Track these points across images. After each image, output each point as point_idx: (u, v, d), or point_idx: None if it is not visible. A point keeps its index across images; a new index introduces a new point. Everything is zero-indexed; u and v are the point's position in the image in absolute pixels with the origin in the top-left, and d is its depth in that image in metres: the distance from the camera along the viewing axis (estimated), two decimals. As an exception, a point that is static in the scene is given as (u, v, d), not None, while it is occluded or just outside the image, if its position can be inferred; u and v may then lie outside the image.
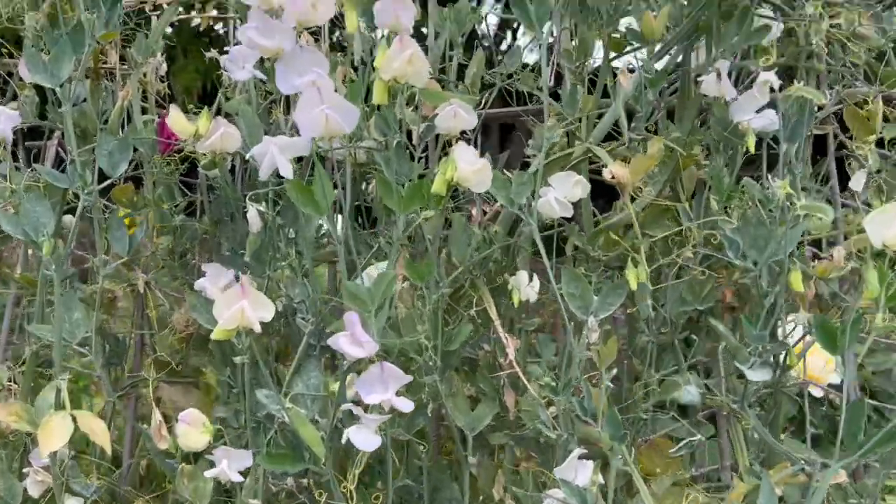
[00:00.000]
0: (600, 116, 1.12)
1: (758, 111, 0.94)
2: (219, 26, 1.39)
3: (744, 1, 0.93)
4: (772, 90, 1.06)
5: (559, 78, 1.20)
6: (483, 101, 1.19)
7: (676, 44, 0.97)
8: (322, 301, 0.97)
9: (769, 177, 0.83)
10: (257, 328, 0.78)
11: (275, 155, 0.78)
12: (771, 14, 0.96)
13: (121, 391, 1.23)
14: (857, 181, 0.99)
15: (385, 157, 0.92)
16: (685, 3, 1.00)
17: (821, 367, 1.33)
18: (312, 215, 0.90)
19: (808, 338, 1.03)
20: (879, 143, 1.12)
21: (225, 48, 1.40)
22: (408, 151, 0.95)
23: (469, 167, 0.82)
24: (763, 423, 1.07)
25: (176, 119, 0.94)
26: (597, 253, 0.99)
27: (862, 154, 1.09)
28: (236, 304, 0.76)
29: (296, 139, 0.80)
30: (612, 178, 0.87)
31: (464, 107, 0.92)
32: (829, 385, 1.30)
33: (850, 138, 1.11)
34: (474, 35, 1.28)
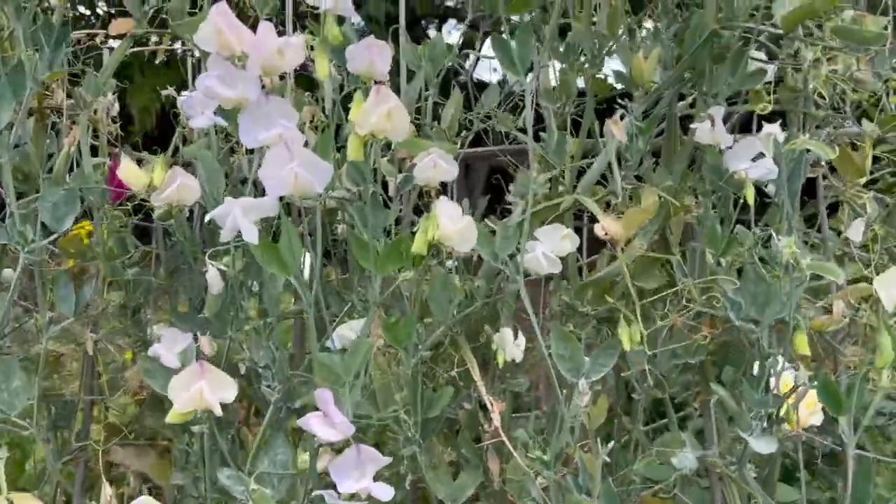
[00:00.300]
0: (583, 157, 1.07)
1: (753, 158, 0.89)
2: (177, 45, 1.31)
3: (737, 43, 0.88)
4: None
5: (538, 116, 1.14)
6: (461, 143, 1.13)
7: (668, 88, 0.92)
8: (289, 368, 0.89)
9: (774, 236, 0.77)
10: (217, 411, 0.70)
11: (237, 218, 0.70)
12: (764, 57, 0.92)
13: (68, 456, 1.13)
14: (856, 230, 0.95)
15: (358, 208, 0.85)
16: (671, 42, 0.95)
17: (804, 411, 1.30)
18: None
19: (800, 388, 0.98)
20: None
21: (184, 73, 1.32)
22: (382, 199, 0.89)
23: (452, 226, 0.75)
24: (758, 480, 1.02)
25: (128, 170, 0.86)
26: (585, 308, 0.93)
27: (852, 197, 1.05)
28: (194, 386, 0.68)
29: (261, 200, 0.72)
30: (605, 234, 0.81)
31: (444, 157, 0.85)
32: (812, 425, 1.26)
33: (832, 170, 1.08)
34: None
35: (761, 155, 0.89)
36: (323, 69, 0.74)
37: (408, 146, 0.87)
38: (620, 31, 0.96)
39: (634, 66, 0.88)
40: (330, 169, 0.71)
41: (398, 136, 0.71)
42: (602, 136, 0.99)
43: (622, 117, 0.89)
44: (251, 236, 0.71)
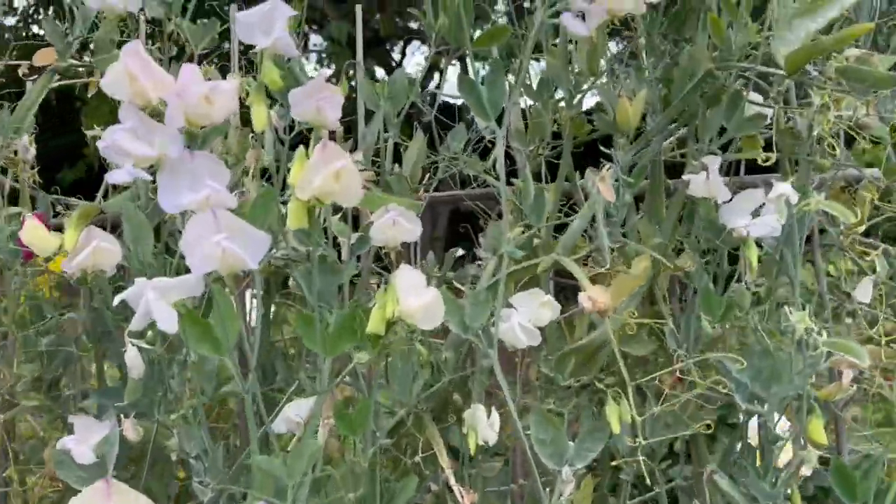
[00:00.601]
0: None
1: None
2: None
3: (733, 83, 0.79)
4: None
5: (508, 156, 1.04)
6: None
7: (657, 134, 0.82)
8: (227, 457, 0.77)
9: (787, 310, 0.67)
10: (129, 539, 0.57)
11: (150, 303, 0.58)
12: (758, 98, 0.82)
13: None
14: (864, 291, 0.86)
15: (305, 272, 0.73)
16: (658, 82, 0.85)
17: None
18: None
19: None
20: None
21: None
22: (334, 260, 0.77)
23: (415, 301, 0.64)
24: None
25: (32, 232, 0.73)
26: (567, 381, 0.82)
27: (851, 247, 0.97)
28: (98, 510, 0.56)
29: (182, 279, 0.60)
30: (592, 306, 0.71)
31: (405, 215, 0.74)
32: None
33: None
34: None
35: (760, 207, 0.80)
36: (260, 119, 0.63)
37: (364, 201, 0.75)
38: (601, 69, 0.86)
39: (619, 111, 0.78)
40: (266, 240, 0.59)
41: (349, 200, 0.60)
42: (582, 177, 0.89)
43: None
44: (168, 324, 0.59)
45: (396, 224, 0.74)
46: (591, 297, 0.70)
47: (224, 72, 1.03)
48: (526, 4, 1.11)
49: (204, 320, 0.67)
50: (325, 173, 0.57)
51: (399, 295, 0.65)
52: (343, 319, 0.67)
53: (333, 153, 0.57)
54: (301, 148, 0.58)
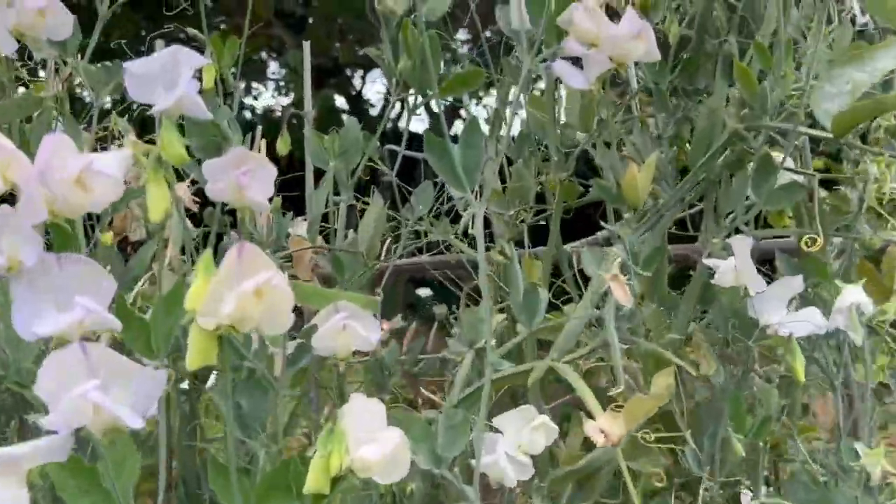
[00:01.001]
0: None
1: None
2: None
3: (762, 146, 0.64)
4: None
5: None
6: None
7: (672, 208, 0.67)
8: None
9: (857, 447, 0.52)
10: None
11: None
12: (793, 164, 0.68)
13: None
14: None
15: (221, 391, 0.57)
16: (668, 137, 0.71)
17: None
18: None
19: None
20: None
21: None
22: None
23: (371, 453, 0.46)
24: None
25: None
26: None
27: (879, 327, 0.83)
28: None
29: (40, 443, 0.42)
30: (605, 440, 0.55)
31: (358, 316, 0.58)
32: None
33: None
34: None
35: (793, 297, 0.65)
36: (157, 206, 0.46)
37: (305, 297, 0.59)
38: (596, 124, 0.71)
39: (626, 181, 0.63)
40: (161, 379, 0.42)
41: (276, 326, 0.43)
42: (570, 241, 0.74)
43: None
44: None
45: (347, 329, 0.57)
46: (603, 429, 0.54)
47: (146, 125, 0.86)
48: (488, 33, 0.97)
49: (87, 466, 0.50)
50: (241, 293, 0.40)
51: (349, 440, 0.48)
52: (273, 473, 0.50)
53: (253, 262, 0.41)
54: (205, 255, 0.41)
